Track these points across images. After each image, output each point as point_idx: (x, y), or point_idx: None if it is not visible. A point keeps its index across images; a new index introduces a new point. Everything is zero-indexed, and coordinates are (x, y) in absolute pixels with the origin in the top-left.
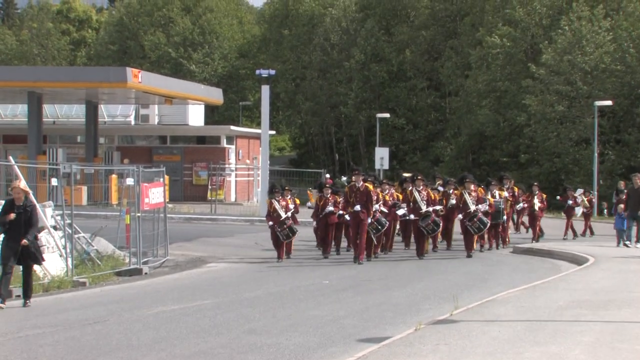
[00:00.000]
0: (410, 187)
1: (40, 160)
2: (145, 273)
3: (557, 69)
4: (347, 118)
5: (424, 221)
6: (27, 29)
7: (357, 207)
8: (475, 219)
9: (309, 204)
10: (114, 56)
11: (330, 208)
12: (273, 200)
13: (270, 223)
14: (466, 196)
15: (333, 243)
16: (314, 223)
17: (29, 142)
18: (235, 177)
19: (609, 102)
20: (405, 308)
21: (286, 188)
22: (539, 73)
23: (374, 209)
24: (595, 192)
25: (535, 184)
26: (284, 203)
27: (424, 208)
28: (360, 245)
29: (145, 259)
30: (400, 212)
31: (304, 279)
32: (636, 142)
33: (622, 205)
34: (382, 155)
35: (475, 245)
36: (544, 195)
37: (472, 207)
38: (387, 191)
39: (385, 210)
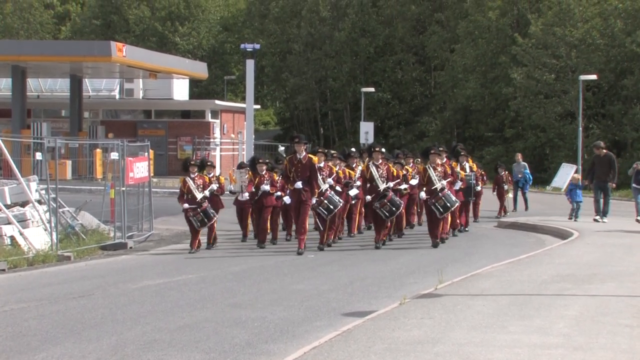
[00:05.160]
0: (367, 161)
1: (24, 134)
2: (130, 247)
3: (544, 41)
4: (333, 93)
5: (379, 201)
6: (10, 2)
7: (299, 184)
8: (440, 195)
9: (230, 187)
10: (97, 30)
11: (266, 187)
12: (187, 179)
13: (185, 206)
14: (430, 172)
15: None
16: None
17: (13, 116)
18: (220, 151)
19: (593, 77)
20: (389, 282)
21: (208, 163)
22: (525, 44)
23: (324, 187)
24: (580, 167)
25: (463, 153)
26: (200, 182)
27: (381, 186)
28: (301, 229)
29: (130, 233)
30: (352, 192)
31: (288, 253)
32: (621, 116)
33: (577, 176)
34: (367, 130)
35: (446, 230)
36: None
37: (438, 185)
38: (338, 166)
39: (339, 188)
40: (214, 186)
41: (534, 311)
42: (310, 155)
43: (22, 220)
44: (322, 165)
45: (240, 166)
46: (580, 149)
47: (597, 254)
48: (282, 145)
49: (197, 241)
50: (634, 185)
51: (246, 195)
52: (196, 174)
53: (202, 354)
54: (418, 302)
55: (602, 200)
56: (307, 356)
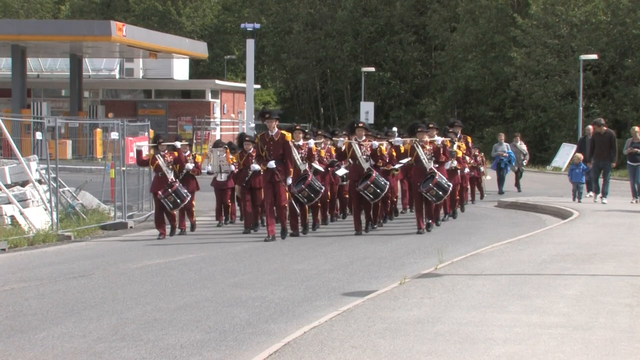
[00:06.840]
0: (350, 139)
1: (24, 114)
2: (130, 227)
3: (545, 22)
4: (333, 72)
5: (362, 183)
6: None
7: (272, 164)
8: (431, 184)
9: (208, 167)
10: (97, 10)
11: (256, 166)
12: (157, 156)
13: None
14: (418, 150)
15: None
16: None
17: (13, 95)
18: (220, 131)
19: (594, 56)
20: (390, 262)
21: (183, 140)
22: (526, 25)
23: (303, 169)
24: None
25: (450, 130)
26: (170, 158)
27: (365, 166)
28: (282, 210)
29: (130, 213)
30: (340, 172)
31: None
32: (622, 96)
33: (580, 155)
34: (367, 110)
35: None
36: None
37: (428, 166)
38: (322, 146)
39: (321, 168)
40: (190, 165)
41: (534, 291)
42: (283, 132)
43: (23, 200)
44: (300, 143)
45: (217, 145)
46: (580, 128)
47: (597, 233)
48: (252, 123)
49: (164, 226)
50: (629, 162)
51: (224, 176)
52: (166, 150)
53: (203, 334)
54: (418, 281)
55: (601, 180)
56: (307, 336)
